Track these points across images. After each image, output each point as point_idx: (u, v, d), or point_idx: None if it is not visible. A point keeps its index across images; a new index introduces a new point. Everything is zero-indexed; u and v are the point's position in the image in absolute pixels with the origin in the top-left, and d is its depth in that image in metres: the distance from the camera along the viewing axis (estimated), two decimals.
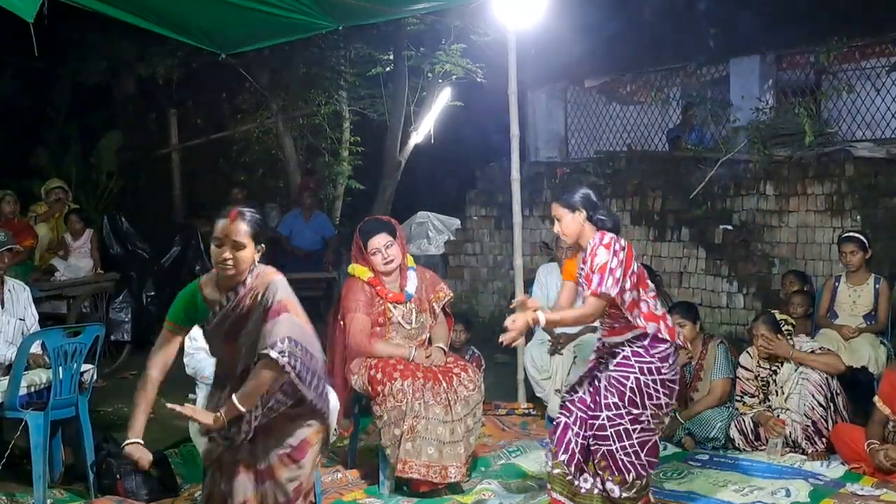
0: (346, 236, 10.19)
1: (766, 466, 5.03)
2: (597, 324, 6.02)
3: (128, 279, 8.36)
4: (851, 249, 6.15)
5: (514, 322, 3.77)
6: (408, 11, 7.41)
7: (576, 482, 3.96)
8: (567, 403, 4.06)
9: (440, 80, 10.83)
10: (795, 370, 5.28)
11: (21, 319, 5.16)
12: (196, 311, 3.28)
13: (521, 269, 6.50)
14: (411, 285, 4.88)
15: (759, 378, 5.41)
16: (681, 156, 8.75)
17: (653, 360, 3.85)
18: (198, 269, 8.53)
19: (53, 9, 4.27)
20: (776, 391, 5.34)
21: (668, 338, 3.88)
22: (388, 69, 11.19)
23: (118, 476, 4.61)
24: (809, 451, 5.14)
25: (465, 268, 10.36)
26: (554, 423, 4.16)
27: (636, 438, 3.86)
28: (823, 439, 5.15)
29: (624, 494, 3.89)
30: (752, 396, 5.42)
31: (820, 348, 5.43)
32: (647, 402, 3.84)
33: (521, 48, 6.60)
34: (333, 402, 4.43)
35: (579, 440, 3.94)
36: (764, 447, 5.28)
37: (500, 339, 3.81)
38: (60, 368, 4.57)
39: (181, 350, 3.53)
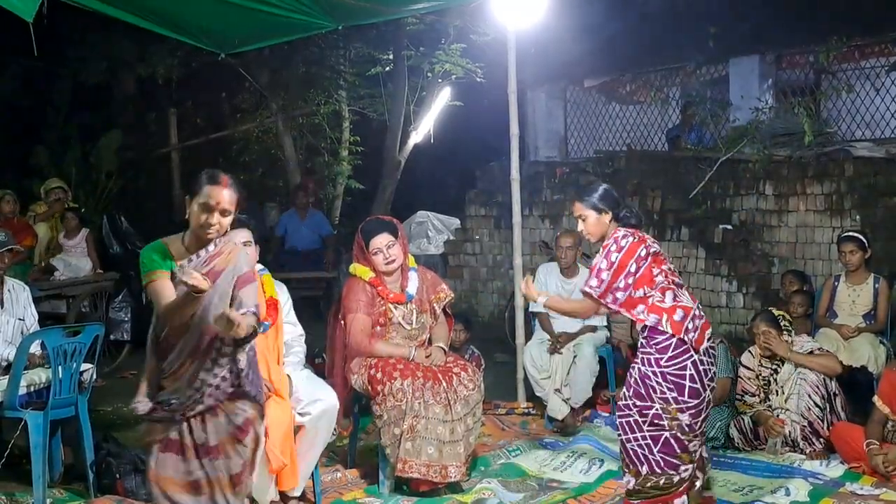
0: (346, 236, 10.20)
1: (765, 466, 5.03)
2: (596, 322, 6.09)
3: (127, 279, 8.35)
4: (851, 249, 6.16)
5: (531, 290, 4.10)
6: (407, 11, 7.41)
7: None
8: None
9: (440, 80, 10.84)
10: (795, 370, 5.29)
11: (21, 319, 5.16)
12: (165, 262, 3.28)
13: (520, 268, 6.50)
14: (412, 286, 4.88)
15: (760, 377, 5.41)
16: (680, 155, 8.76)
17: (652, 350, 3.84)
18: None
19: (53, 8, 4.28)
20: (776, 391, 5.34)
21: (668, 330, 3.84)
22: (387, 69, 11.20)
23: (118, 476, 4.60)
24: (808, 451, 5.15)
25: (465, 267, 10.37)
26: None
27: (647, 432, 3.83)
28: (821, 440, 5.15)
29: (637, 487, 3.88)
30: (753, 396, 5.42)
31: (819, 349, 5.43)
32: (652, 395, 3.81)
33: (520, 48, 6.60)
34: (333, 401, 4.46)
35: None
36: (763, 447, 5.28)
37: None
38: (60, 368, 4.57)
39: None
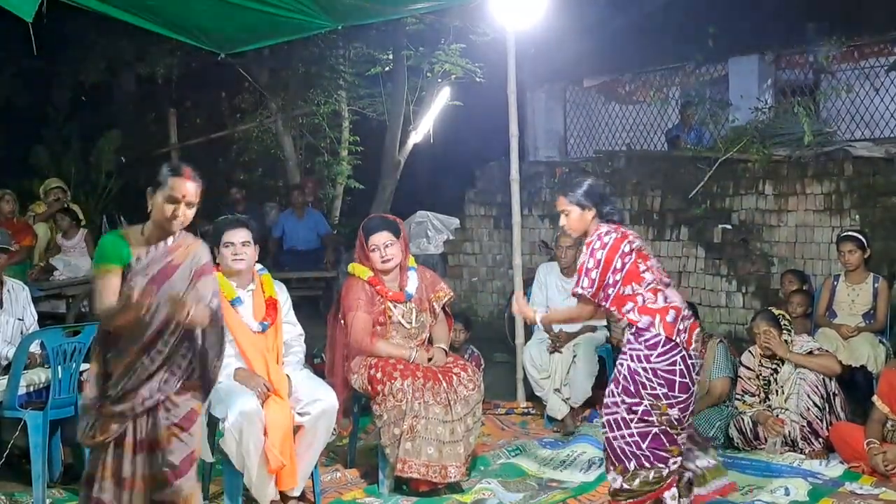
0: (346, 236, 10.21)
1: (764, 465, 5.03)
2: (595, 322, 6.09)
3: None
4: (850, 248, 6.16)
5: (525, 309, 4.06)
6: (407, 11, 7.41)
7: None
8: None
9: (439, 80, 10.84)
10: (794, 370, 5.29)
11: (20, 319, 5.16)
12: (123, 255, 3.32)
13: (520, 268, 6.50)
14: (411, 285, 4.88)
15: (760, 377, 5.42)
16: (680, 155, 8.75)
17: (641, 347, 3.83)
18: None
19: (53, 8, 4.28)
20: (776, 391, 5.34)
21: (662, 332, 3.83)
22: (387, 69, 11.20)
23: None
24: (807, 450, 5.15)
25: (465, 267, 10.37)
26: None
27: (635, 428, 3.83)
28: (820, 439, 5.15)
29: (625, 486, 3.86)
30: (753, 395, 5.42)
31: (819, 348, 5.44)
32: (641, 392, 3.81)
33: (520, 48, 6.61)
34: (332, 401, 4.46)
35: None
36: (763, 446, 5.28)
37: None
38: (59, 368, 4.57)
39: None
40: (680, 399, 3.83)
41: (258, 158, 13.04)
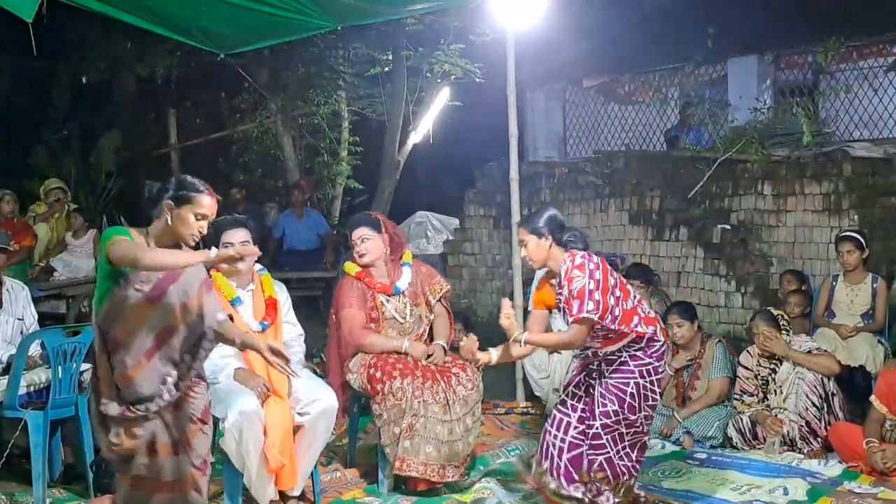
0: (346, 236, 10.19)
1: (763, 465, 5.04)
2: None
3: None
4: (849, 249, 6.17)
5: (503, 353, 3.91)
6: (406, 12, 7.41)
7: (563, 491, 3.89)
8: (555, 412, 4.03)
9: (439, 80, 10.84)
10: (793, 370, 5.30)
11: (20, 319, 5.17)
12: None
13: (519, 268, 6.51)
14: (403, 280, 4.90)
15: (758, 377, 5.43)
16: (679, 155, 8.76)
17: (651, 360, 3.85)
18: None
19: (53, 8, 4.29)
20: (775, 390, 5.35)
21: (661, 337, 3.89)
22: (386, 69, 11.20)
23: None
24: (806, 450, 5.16)
25: (464, 267, 10.37)
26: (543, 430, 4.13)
27: (629, 441, 3.87)
28: (819, 439, 5.16)
29: (616, 500, 3.88)
30: (752, 395, 5.44)
31: (817, 348, 5.45)
32: (643, 405, 3.85)
33: (519, 48, 6.61)
34: (332, 400, 4.46)
35: (559, 444, 3.91)
36: (762, 446, 5.29)
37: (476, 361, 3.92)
38: (60, 368, 4.58)
39: None
40: (658, 403, 3.95)
41: (258, 159, 13.04)
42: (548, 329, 6.10)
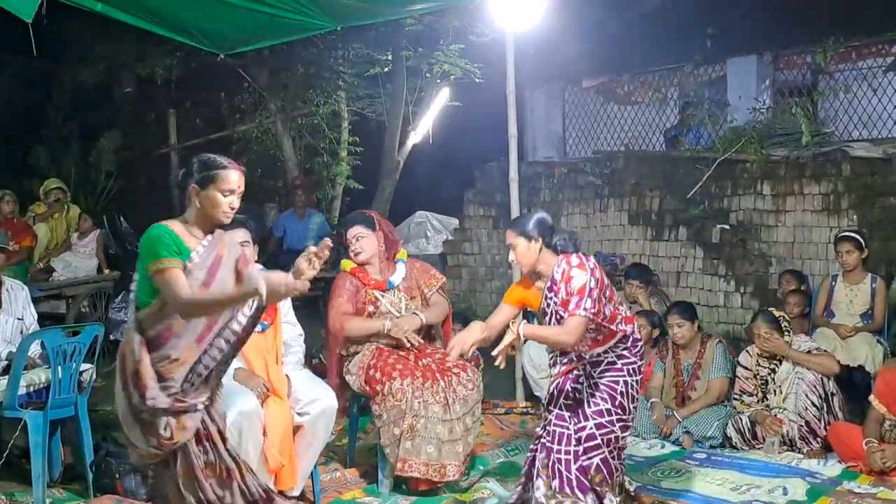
0: (344, 236, 10.20)
1: (763, 465, 5.05)
2: None
3: (127, 279, 8.36)
4: (848, 249, 6.18)
5: (500, 347, 3.75)
6: (406, 12, 7.41)
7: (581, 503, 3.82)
8: (551, 428, 3.91)
9: (438, 81, 10.84)
10: (793, 370, 5.30)
11: (19, 319, 5.18)
12: (183, 249, 3.25)
13: (518, 268, 6.50)
14: (397, 275, 4.94)
15: (758, 377, 5.43)
16: (678, 156, 8.76)
17: (636, 358, 3.90)
18: None
19: (53, 8, 4.29)
20: (774, 390, 5.36)
21: (639, 336, 3.98)
22: (386, 69, 11.20)
23: (117, 475, 4.61)
24: (805, 450, 5.17)
25: (464, 267, 10.38)
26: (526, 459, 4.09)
27: (622, 441, 3.90)
28: (818, 439, 5.17)
29: (617, 499, 3.89)
30: (751, 395, 5.44)
31: (817, 348, 5.45)
32: (630, 405, 3.89)
33: (519, 48, 6.61)
34: (332, 400, 4.47)
35: (564, 457, 3.85)
36: (761, 446, 5.30)
37: (496, 363, 3.78)
38: (59, 368, 4.58)
39: None
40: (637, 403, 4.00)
41: (257, 159, 13.03)
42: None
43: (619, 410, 3.85)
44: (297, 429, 4.35)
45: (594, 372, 3.89)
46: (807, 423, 5.19)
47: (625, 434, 3.91)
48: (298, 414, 4.36)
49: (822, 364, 5.29)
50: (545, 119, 10.83)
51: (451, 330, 5.14)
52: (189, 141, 12.49)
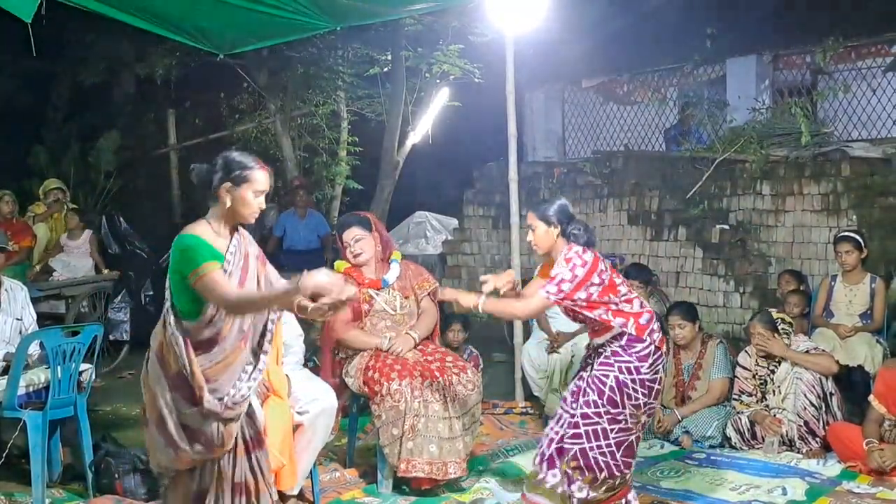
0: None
1: (762, 465, 5.05)
2: None
3: (126, 279, 8.37)
4: (847, 249, 6.18)
5: (461, 296, 4.06)
6: (405, 12, 7.42)
7: (541, 475, 3.97)
8: (558, 409, 4.11)
9: (438, 81, 10.84)
10: (791, 370, 5.31)
11: (18, 319, 5.17)
12: (216, 253, 3.23)
13: (518, 268, 6.49)
14: (392, 274, 4.94)
15: (757, 377, 5.43)
16: (678, 156, 8.77)
17: (631, 359, 3.85)
18: None
19: (52, 8, 4.29)
20: (773, 390, 5.36)
21: (633, 332, 3.87)
22: (385, 69, 11.20)
23: (116, 475, 4.61)
24: (805, 450, 5.17)
25: (463, 267, 10.39)
26: None
27: (613, 438, 3.83)
28: (818, 439, 5.17)
29: (592, 494, 3.86)
30: (750, 395, 5.44)
31: (815, 348, 5.46)
32: (626, 402, 3.83)
33: (518, 48, 6.62)
34: (331, 400, 4.47)
35: (552, 435, 3.98)
36: (760, 446, 5.30)
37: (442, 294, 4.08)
38: (59, 368, 4.58)
39: None
40: (653, 405, 3.94)
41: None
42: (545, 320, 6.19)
43: (607, 404, 3.83)
44: (296, 428, 4.34)
45: (595, 362, 3.95)
46: (806, 423, 5.19)
47: (620, 433, 3.86)
48: (298, 413, 4.35)
49: (821, 364, 5.29)
50: (545, 119, 10.84)
51: (450, 332, 5.14)
52: (188, 141, 12.49)
